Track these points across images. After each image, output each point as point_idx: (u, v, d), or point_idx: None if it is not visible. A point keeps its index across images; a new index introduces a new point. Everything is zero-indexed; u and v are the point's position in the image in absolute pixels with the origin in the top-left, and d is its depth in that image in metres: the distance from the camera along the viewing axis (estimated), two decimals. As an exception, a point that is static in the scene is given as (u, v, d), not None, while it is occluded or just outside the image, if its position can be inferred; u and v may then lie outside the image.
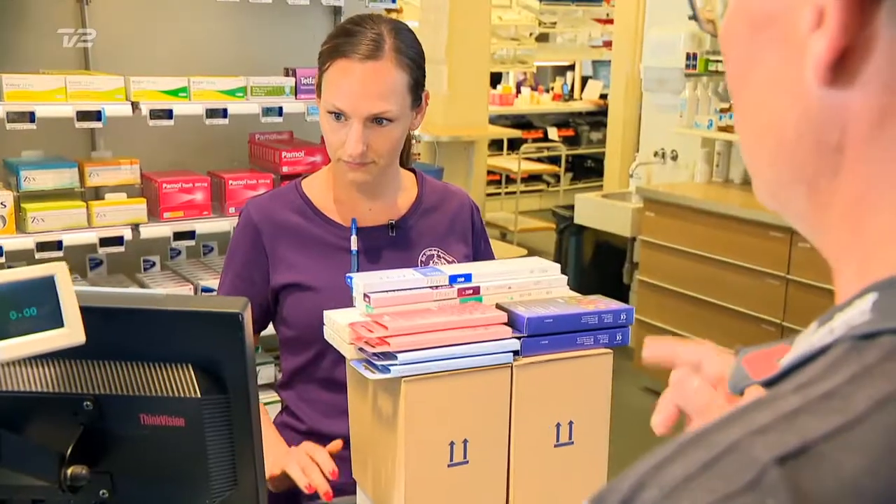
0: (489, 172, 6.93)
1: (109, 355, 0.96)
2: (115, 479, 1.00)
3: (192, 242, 2.32)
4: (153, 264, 2.56)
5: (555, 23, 8.78)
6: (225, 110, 2.22)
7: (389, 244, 1.61)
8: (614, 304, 1.19)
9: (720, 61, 4.12)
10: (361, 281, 1.18)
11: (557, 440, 1.16)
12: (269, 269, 1.58)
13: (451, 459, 1.11)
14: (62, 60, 2.41)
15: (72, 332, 0.86)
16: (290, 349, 1.61)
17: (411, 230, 1.63)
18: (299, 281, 1.55)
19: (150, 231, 2.27)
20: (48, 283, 0.86)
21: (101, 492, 1.00)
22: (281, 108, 2.28)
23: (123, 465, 1.00)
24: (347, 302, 1.22)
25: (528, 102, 8.49)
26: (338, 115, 1.48)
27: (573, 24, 8.92)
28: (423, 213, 1.65)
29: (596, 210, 4.88)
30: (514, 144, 7.72)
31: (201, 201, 2.28)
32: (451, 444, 1.11)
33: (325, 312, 1.21)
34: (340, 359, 1.55)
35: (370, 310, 1.16)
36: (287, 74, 2.36)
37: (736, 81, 0.48)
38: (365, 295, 1.17)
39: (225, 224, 2.29)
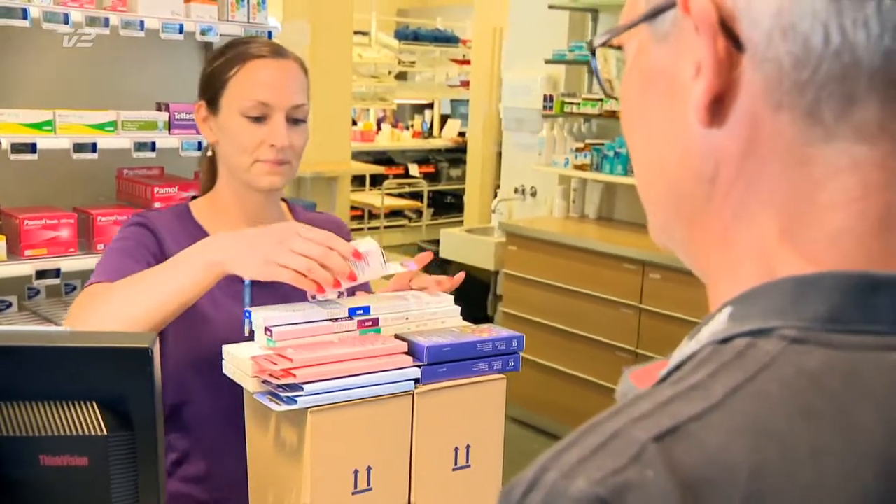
0: (352, 208, 6.96)
1: (6, 396, 0.93)
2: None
3: (56, 281, 2.23)
4: (9, 305, 2.43)
5: (413, 62, 8.98)
6: (94, 144, 2.16)
7: None
8: (505, 332, 1.26)
9: (575, 103, 4.35)
10: (261, 315, 1.19)
11: (455, 464, 1.21)
12: None
13: (356, 487, 1.14)
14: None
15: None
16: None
17: None
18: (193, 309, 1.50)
19: (8, 269, 2.16)
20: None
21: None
22: (154, 143, 2.24)
23: (21, 510, 0.96)
24: (241, 332, 1.22)
25: (389, 139, 8.61)
26: (257, 118, 1.48)
27: (431, 63, 9.16)
28: None
29: (460, 244, 5.01)
30: (377, 180, 7.79)
31: (67, 238, 2.19)
32: (356, 471, 1.14)
33: (225, 347, 1.22)
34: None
35: (272, 343, 1.17)
36: (160, 109, 2.33)
37: (630, 130, 0.55)
38: (266, 328, 1.18)
39: (93, 262, 2.21)
